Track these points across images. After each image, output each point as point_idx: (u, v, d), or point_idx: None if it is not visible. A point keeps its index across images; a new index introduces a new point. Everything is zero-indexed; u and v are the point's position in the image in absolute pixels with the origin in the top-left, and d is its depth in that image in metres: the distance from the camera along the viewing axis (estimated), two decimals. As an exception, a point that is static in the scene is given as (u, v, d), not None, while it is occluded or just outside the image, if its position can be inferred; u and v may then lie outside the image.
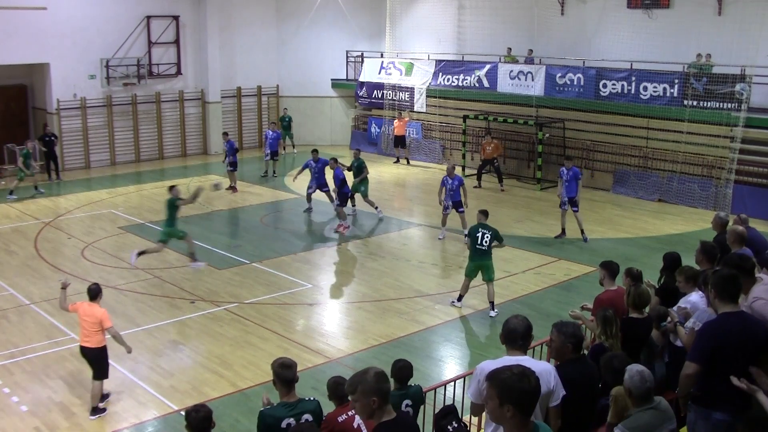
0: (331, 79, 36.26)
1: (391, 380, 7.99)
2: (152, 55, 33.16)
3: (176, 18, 33.61)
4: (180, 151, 34.55)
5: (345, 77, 36.37)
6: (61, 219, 23.69)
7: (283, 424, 7.03)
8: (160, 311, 15.97)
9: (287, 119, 34.29)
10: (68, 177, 30.28)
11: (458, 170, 29.20)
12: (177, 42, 33.83)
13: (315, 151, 23.77)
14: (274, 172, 30.08)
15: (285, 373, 7.15)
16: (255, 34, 35.62)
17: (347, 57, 36.17)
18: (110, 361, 13.42)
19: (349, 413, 7.62)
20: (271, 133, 30.10)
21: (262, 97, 36.63)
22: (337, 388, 7.79)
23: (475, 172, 28.18)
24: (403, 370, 8.34)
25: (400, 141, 32.56)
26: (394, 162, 32.33)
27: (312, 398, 7.44)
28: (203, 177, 30.08)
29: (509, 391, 4.75)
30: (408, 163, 32.31)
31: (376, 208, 23.27)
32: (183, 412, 11.27)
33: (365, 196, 23.25)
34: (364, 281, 17.91)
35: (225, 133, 28.06)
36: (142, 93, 33.15)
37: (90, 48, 31.34)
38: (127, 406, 12.06)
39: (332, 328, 15.37)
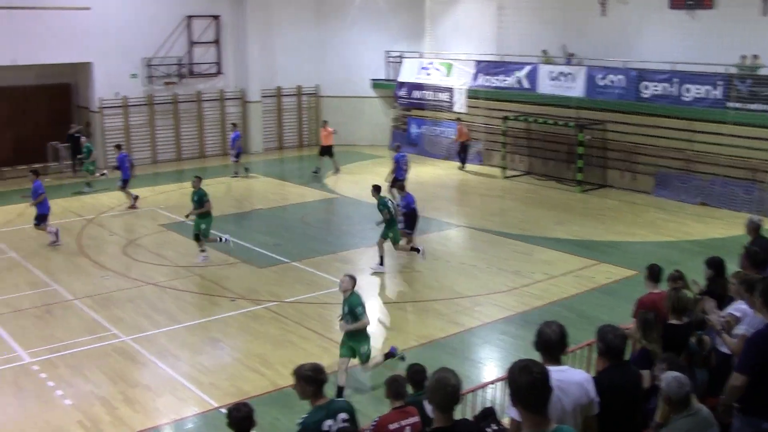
0: (371, 79, 36.25)
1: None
2: (193, 54, 33.44)
3: (217, 18, 33.86)
4: (220, 150, 34.74)
5: (385, 77, 36.36)
6: (104, 216, 23.96)
7: (325, 427, 7.09)
8: (200, 309, 16.10)
9: (87, 149, 27.96)
10: (110, 175, 30.60)
11: (497, 171, 29.22)
12: (217, 41, 34.09)
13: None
14: (242, 171, 30.08)
15: (322, 377, 7.23)
16: (295, 34, 35.73)
17: (387, 57, 36.15)
18: (151, 357, 13.63)
19: (402, 422, 7.58)
20: (233, 134, 30.36)
21: (302, 96, 36.75)
22: (394, 385, 7.85)
23: (520, 172, 27.98)
24: (417, 374, 8.36)
25: (327, 151, 30.45)
26: (313, 172, 30.44)
27: (341, 398, 7.49)
28: (243, 175, 30.23)
29: (513, 388, 4.82)
30: (338, 171, 30.44)
31: (220, 239, 19.90)
32: (223, 410, 11.38)
33: (206, 236, 19.44)
34: (403, 282, 17.90)
35: (118, 146, 26.93)
36: (182, 92, 33.45)
37: (132, 47, 31.69)
38: (168, 402, 12.17)
39: (371, 328, 15.25)
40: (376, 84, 36.30)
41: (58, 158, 31.33)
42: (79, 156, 29.81)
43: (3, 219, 23.41)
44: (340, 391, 11.77)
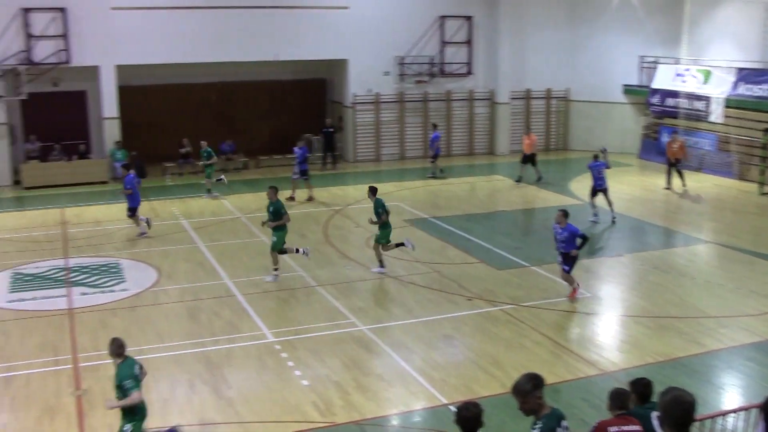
0: (623, 85, 35.16)
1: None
2: (444, 54, 33.94)
3: (469, 18, 34.16)
4: (467, 150, 35.10)
5: (637, 83, 35.16)
6: (350, 208, 24.81)
7: None
8: (437, 305, 16.27)
9: (206, 153, 27.09)
10: (359, 168, 31.81)
11: (753, 186, 27.44)
12: (469, 42, 34.38)
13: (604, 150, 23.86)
14: (441, 171, 30.02)
15: (544, 381, 7.12)
16: (547, 36, 35.38)
17: (640, 62, 34.95)
18: (386, 348, 13.93)
19: (623, 428, 7.41)
20: (433, 135, 30.17)
21: (551, 100, 36.33)
22: (618, 397, 7.84)
23: None
24: (646, 387, 8.19)
25: (529, 159, 29.25)
26: (516, 181, 29.22)
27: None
28: (488, 177, 30.39)
29: None
30: (540, 179, 29.06)
31: (276, 269, 18.16)
32: (452, 407, 11.44)
33: (274, 249, 18.11)
34: (644, 295, 17.23)
35: (301, 139, 27.02)
36: (433, 91, 34.07)
37: (386, 46, 32.69)
38: (399, 393, 12.40)
39: (607, 339, 14.96)
40: (628, 90, 35.18)
41: (312, 150, 32.78)
42: (331, 152, 31.26)
43: (255, 205, 24.76)
44: None
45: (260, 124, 33.66)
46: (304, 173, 25.82)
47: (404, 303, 16.37)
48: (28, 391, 12.44)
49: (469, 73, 34.59)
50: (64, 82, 30.27)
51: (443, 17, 33.61)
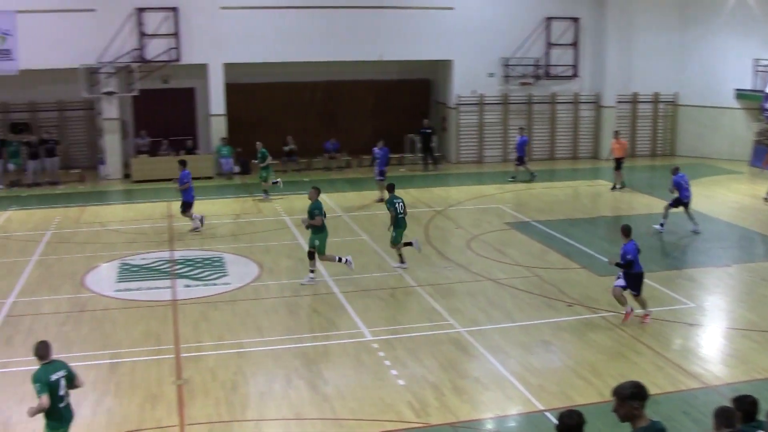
0: (735, 89, 34.03)
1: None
2: (550, 56, 33.54)
3: (576, 20, 33.69)
4: (571, 153, 34.63)
5: (751, 88, 33.98)
6: (452, 209, 24.73)
7: None
8: (536, 309, 16.05)
9: (261, 155, 26.76)
10: (462, 169, 31.72)
11: None
12: (575, 44, 33.89)
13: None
14: (520, 176, 29.67)
15: (647, 392, 6.92)
16: (656, 39, 34.51)
17: (755, 66, 33.78)
18: (483, 351, 13.83)
19: None
20: (519, 138, 29.78)
21: (659, 104, 35.48)
22: (723, 415, 7.50)
23: None
24: (753, 405, 7.81)
25: (618, 164, 28.23)
26: (611, 189, 28.35)
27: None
28: (591, 181, 29.92)
29: None
30: (622, 187, 28.09)
31: (341, 259, 18.01)
32: (548, 414, 11.35)
33: (321, 252, 17.75)
34: (752, 308, 16.61)
35: (381, 140, 26.62)
36: (537, 93, 33.73)
37: (491, 47, 32.54)
38: (494, 397, 12.28)
39: (711, 352, 14.48)
40: (740, 94, 34.01)
41: (414, 150, 32.90)
42: (429, 152, 31.18)
43: (358, 203, 24.95)
44: None
45: (364, 123, 33.84)
46: (381, 174, 25.71)
47: (503, 306, 16.21)
48: (132, 378, 12.80)
49: (574, 75, 34.11)
50: (173, 80, 31.15)
51: (549, 18, 33.24)
